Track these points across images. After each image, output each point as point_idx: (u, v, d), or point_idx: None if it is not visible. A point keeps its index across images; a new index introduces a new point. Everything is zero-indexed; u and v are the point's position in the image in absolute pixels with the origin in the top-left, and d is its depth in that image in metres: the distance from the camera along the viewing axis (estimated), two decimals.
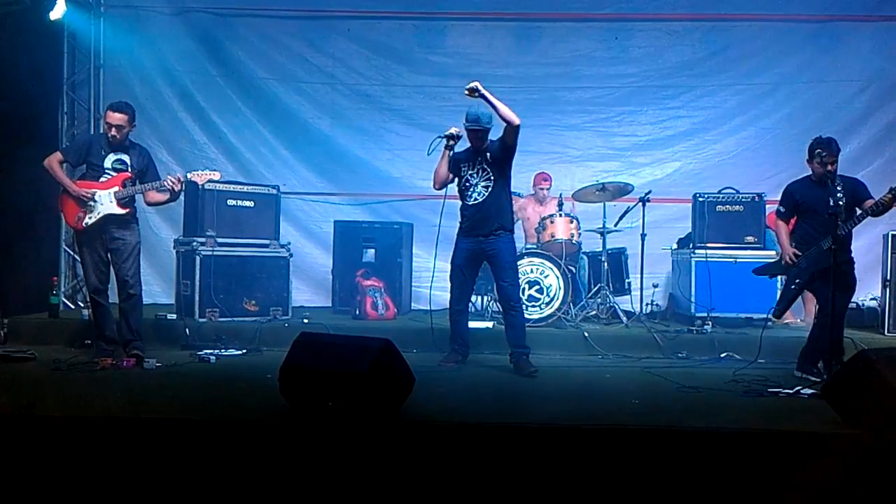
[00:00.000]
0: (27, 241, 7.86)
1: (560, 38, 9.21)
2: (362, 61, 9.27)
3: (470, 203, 6.32)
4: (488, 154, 6.31)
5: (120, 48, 9.02)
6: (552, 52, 9.20)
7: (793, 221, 6.24)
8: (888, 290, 7.45)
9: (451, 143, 6.25)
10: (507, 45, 9.23)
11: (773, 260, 6.68)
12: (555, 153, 9.05)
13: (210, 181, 7.37)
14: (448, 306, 6.59)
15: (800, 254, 6.02)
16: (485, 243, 6.30)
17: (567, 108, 9.20)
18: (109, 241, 6.26)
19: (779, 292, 7.69)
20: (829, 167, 5.88)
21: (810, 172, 6.08)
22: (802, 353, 6.08)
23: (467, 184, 6.33)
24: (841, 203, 5.79)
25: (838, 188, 5.83)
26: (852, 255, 6.05)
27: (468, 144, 6.39)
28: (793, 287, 6.13)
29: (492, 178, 6.29)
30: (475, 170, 6.31)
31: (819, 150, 5.89)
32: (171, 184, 6.22)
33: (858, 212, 5.86)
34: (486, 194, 6.27)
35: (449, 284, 6.53)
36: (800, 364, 6.05)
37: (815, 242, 5.91)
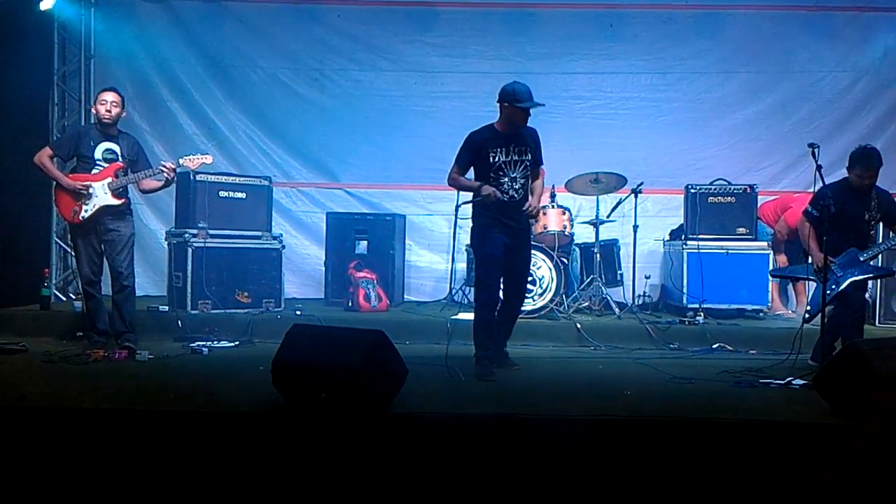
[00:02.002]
0: (18, 232, 7.82)
1: (553, 26, 9.16)
2: (353, 48, 9.23)
3: (506, 199, 5.70)
4: (527, 143, 5.77)
5: (111, 39, 8.97)
6: (545, 40, 9.16)
7: None
8: (879, 282, 7.48)
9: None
10: (498, 32, 9.19)
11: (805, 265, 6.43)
12: (548, 142, 9.00)
13: (202, 172, 7.41)
14: (482, 306, 5.94)
15: (833, 259, 5.76)
16: (514, 236, 5.82)
17: (560, 96, 9.17)
18: (104, 233, 6.22)
19: (770, 284, 7.79)
20: (867, 181, 5.79)
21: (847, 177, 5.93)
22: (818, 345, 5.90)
23: (500, 172, 5.70)
24: (874, 216, 5.86)
25: (873, 202, 5.85)
26: None
27: (486, 123, 5.86)
28: (828, 293, 5.79)
29: (528, 171, 5.81)
30: (509, 158, 5.70)
31: (858, 166, 5.79)
32: (166, 171, 6.20)
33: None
34: (524, 189, 5.79)
35: (476, 282, 6.12)
36: (815, 355, 5.95)
37: (844, 245, 5.83)
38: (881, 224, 6.13)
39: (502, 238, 5.75)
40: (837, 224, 5.66)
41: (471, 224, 5.97)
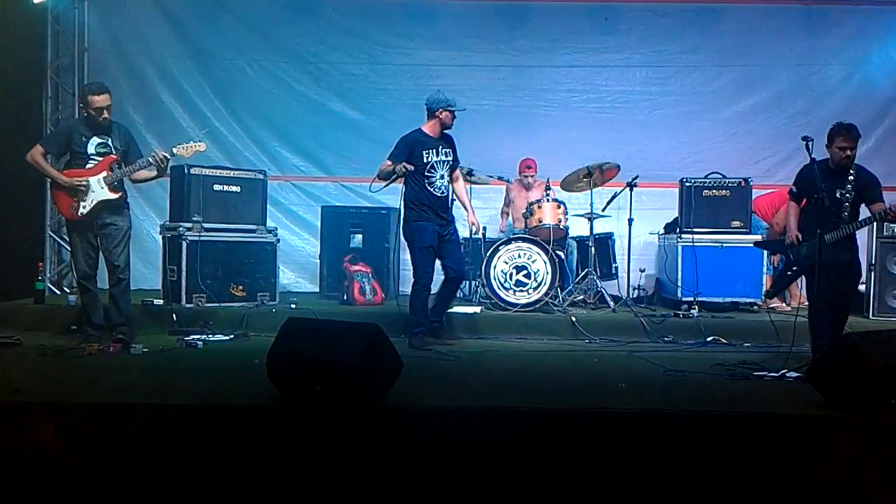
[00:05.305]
0: (12, 226, 7.80)
1: (548, 20, 9.18)
2: (348, 41, 9.23)
3: (437, 195, 6.50)
4: (449, 145, 6.57)
5: (105, 32, 8.95)
6: (540, 34, 9.18)
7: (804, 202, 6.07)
8: (873, 274, 7.51)
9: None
10: (494, 26, 9.20)
11: (780, 238, 6.55)
12: (543, 135, 9.04)
13: (196, 165, 7.40)
14: (421, 288, 6.54)
15: (802, 239, 5.88)
16: (444, 228, 6.56)
17: (556, 89, 9.22)
18: (100, 227, 6.18)
19: (764, 277, 7.80)
20: (848, 153, 5.76)
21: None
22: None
23: (432, 170, 6.46)
24: (848, 196, 5.77)
25: (850, 179, 5.78)
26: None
27: (418, 127, 6.60)
28: (788, 273, 6.08)
29: (451, 168, 6.61)
30: (439, 158, 6.49)
31: (838, 136, 5.78)
32: (157, 160, 6.12)
33: (867, 215, 5.82)
34: (449, 186, 6.62)
35: (415, 268, 6.57)
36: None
37: (816, 229, 5.74)
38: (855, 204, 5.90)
39: (431, 227, 6.49)
40: (813, 204, 5.79)
41: (402, 217, 6.65)
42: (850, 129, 5.78)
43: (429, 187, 6.45)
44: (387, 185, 6.59)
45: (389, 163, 6.46)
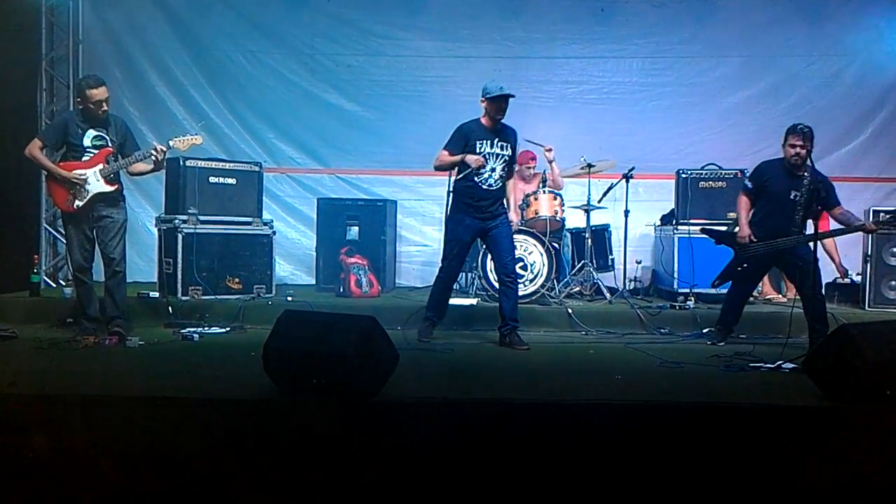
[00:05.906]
0: (7, 219, 7.78)
1: (544, 10, 9.13)
2: (343, 32, 9.17)
3: (483, 187, 6.23)
4: (507, 139, 6.30)
5: (99, 23, 8.91)
6: (536, 24, 9.13)
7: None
8: (869, 265, 7.52)
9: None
10: (490, 17, 9.15)
11: (729, 230, 6.65)
12: (539, 126, 9.00)
13: (192, 157, 7.38)
14: (442, 277, 6.53)
15: (755, 239, 6.09)
16: (489, 223, 6.33)
17: (552, 80, 9.17)
18: (96, 220, 6.18)
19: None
20: (799, 151, 5.89)
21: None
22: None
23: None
24: (801, 199, 5.93)
25: (805, 182, 5.92)
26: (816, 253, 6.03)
27: (476, 106, 6.33)
28: (739, 269, 6.22)
29: (506, 162, 6.32)
30: (493, 150, 6.24)
31: (790, 134, 5.97)
32: (154, 153, 6.12)
33: (832, 225, 6.14)
34: (501, 181, 6.33)
35: (442, 258, 6.56)
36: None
37: (771, 229, 5.97)
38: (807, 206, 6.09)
39: (471, 223, 6.30)
40: (765, 198, 6.05)
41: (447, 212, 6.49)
42: (803, 128, 5.94)
43: (475, 178, 6.20)
44: (464, 175, 6.23)
45: (447, 153, 6.24)
